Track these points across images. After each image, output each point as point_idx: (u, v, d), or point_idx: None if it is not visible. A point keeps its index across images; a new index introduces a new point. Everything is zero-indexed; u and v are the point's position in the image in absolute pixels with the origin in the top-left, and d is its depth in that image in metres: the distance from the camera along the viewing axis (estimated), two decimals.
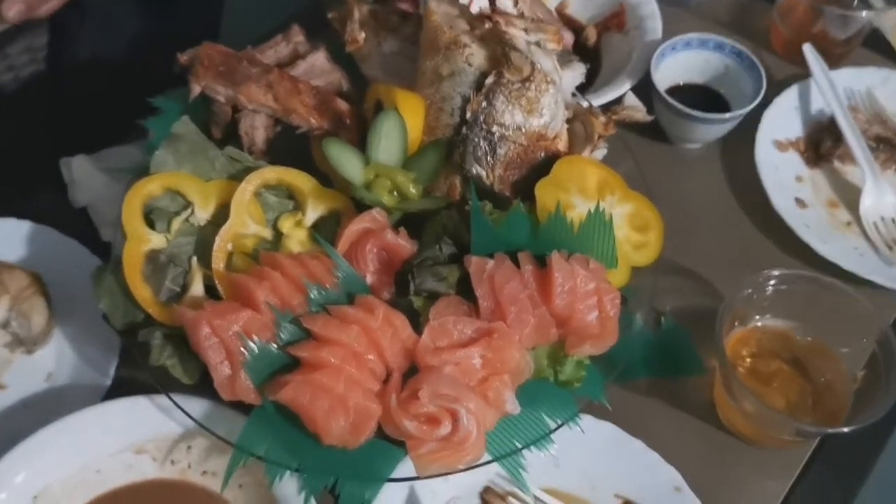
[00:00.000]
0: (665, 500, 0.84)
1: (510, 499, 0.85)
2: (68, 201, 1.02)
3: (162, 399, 0.82)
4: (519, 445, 0.80)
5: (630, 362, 0.86)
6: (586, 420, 0.85)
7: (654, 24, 1.16)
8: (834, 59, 1.15)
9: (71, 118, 1.32)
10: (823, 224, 1.04)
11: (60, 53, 1.35)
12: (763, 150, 1.07)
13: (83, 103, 1.31)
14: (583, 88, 1.02)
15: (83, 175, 1.02)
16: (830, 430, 0.84)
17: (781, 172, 1.07)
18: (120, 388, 0.88)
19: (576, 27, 1.18)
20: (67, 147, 1.06)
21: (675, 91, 1.09)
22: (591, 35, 1.18)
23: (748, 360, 0.91)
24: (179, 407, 0.81)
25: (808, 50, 1.13)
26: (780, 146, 1.10)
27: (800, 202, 1.06)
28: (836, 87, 1.10)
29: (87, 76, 1.32)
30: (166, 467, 0.84)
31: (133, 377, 0.89)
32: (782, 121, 1.11)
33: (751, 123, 1.08)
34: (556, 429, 0.81)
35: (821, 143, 1.11)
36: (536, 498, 0.84)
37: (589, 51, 1.18)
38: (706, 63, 1.12)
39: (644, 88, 1.06)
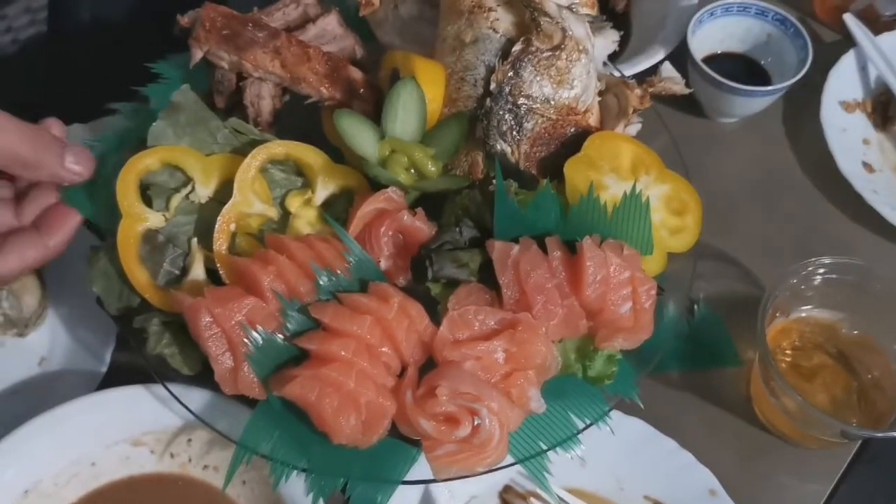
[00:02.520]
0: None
1: (532, 499, 0.83)
2: None
3: (161, 388, 0.80)
4: (544, 447, 0.78)
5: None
6: (614, 417, 0.83)
7: None
8: (882, 25, 1.11)
9: (70, 84, 1.29)
10: (892, 189, 1.02)
11: (60, 14, 1.33)
12: (829, 111, 1.05)
13: (83, 68, 1.29)
14: (612, 57, 0.98)
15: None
16: (880, 434, 0.81)
17: (849, 135, 1.05)
18: (117, 375, 0.86)
19: None
20: (64, 115, 1.03)
21: (712, 60, 1.07)
22: None
23: (789, 353, 0.88)
24: (178, 399, 0.78)
25: (849, 19, 1.10)
26: (848, 107, 1.08)
27: (867, 166, 1.03)
28: (885, 54, 1.09)
29: (88, 39, 1.30)
30: (165, 461, 0.82)
31: (131, 363, 0.86)
32: (849, 81, 1.09)
33: (802, 91, 1.05)
34: (584, 429, 0.78)
35: (889, 104, 1.08)
36: (560, 499, 0.82)
37: (617, 15, 1.14)
38: (747, 31, 1.08)
39: (678, 58, 1.02)
